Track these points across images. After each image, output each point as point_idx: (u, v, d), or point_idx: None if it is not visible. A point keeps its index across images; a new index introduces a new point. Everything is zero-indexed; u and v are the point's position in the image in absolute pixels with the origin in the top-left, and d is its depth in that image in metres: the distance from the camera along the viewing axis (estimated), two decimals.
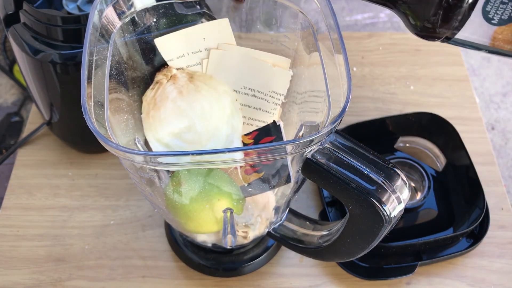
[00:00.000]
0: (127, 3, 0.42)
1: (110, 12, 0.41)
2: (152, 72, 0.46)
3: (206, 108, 0.43)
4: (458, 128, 0.61)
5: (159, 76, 0.44)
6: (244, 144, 0.44)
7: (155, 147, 0.43)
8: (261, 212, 0.46)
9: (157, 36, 0.44)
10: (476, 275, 0.55)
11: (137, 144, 0.42)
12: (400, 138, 0.63)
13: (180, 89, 0.43)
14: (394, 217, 0.36)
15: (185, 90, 0.43)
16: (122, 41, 0.43)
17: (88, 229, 0.58)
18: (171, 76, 0.44)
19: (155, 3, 0.43)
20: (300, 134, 0.43)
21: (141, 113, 0.44)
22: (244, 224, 0.46)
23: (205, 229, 0.44)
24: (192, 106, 0.43)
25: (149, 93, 0.44)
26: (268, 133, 0.42)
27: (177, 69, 0.45)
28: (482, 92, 0.81)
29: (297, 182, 0.42)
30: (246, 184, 0.42)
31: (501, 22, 0.32)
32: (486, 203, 0.57)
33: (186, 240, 0.54)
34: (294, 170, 0.39)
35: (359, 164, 0.36)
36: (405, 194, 0.36)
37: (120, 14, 0.42)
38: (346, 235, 0.41)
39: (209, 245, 0.52)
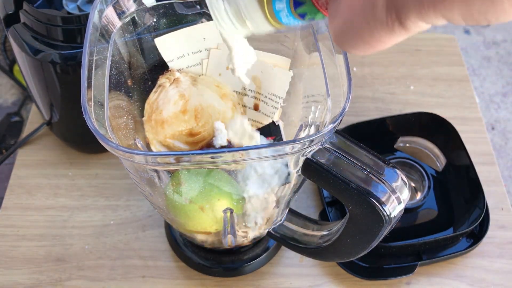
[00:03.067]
0: (127, 3, 0.42)
1: (110, 12, 0.41)
2: (152, 71, 0.46)
3: (208, 111, 0.43)
4: (458, 128, 0.61)
5: (162, 80, 0.44)
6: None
7: (157, 148, 0.43)
8: (261, 212, 0.46)
9: (157, 36, 0.44)
10: (476, 275, 0.55)
11: (137, 144, 0.42)
12: (400, 138, 0.63)
13: (183, 92, 0.43)
14: (394, 217, 0.36)
15: (188, 94, 0.43)
16: (122, 41, 0.43)
17: (88, 229, 0.58)
18: (174, 80, 0.44)
19: (155, 3, 0.43)
20: (300, 134, 0.43)
21: (142, 115, 0.44)
22: (244, 224, 0.46)
23: (205, 229, 0.44)
24: (194, 110, 0.43)
25: (152, 96, 0.44)
26: (268, 133, 0.42)
27: (179, 70, 0.45)
28: (482, 92, 0.81)
29: (297, 182, 0.42)
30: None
31: None
32: (486, 203, 0.57)
33: (186, 240, 0.54)
34: (294, 170, 0.39)
35: (359, 164, 0.36)
36: (405, 194, 0.36)
37: (120, 14, 0.42)
38: (346, 235, 0.41)
39: (208, 245, 0.52)
